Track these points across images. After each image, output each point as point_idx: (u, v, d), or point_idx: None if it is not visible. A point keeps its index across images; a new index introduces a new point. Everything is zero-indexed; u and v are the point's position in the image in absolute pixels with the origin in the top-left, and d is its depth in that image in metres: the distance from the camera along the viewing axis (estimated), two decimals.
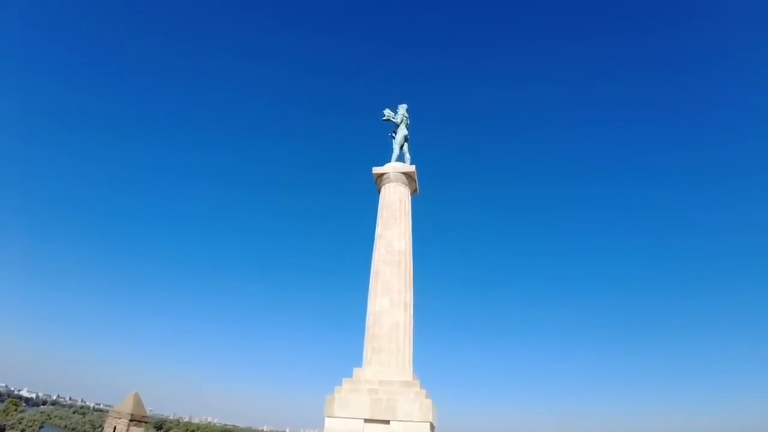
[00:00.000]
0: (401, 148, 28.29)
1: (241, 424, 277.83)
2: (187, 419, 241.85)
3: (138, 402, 29.93)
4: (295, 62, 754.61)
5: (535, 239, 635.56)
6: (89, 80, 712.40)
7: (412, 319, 23.53)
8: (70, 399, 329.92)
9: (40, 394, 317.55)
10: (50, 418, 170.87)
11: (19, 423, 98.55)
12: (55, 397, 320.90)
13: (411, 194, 27.32)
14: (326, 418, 20.59)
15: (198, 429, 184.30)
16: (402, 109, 29.40)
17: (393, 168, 26.85)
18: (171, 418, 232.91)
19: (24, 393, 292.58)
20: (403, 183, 26.70)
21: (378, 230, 25.49)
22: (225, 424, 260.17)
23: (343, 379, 21.86)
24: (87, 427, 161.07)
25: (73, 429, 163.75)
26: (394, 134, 28.68)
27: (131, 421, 28.40)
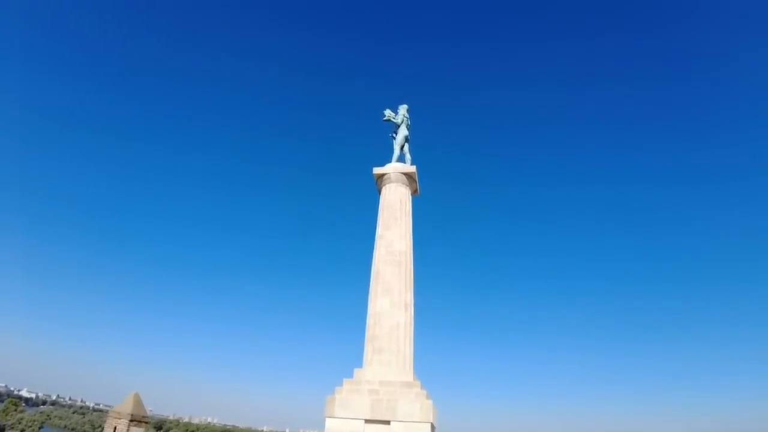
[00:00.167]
0: (402, 148, 28.28)
1: (241, 425, 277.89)
2: (186, 419, 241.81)
3: (138, 402, 29.93)
4: (295, 62, 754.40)
5: (536, 239, 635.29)
6: (89, 80, 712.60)
7: (412, 319, 23.52)
8: (69, 399, 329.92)
9: (40, 394, 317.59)
10: (50, 418, 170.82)
11: (19, 423, 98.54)
12: (54, 397, 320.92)
13: (411, 195, 27.32)
14: (327, 419, 20.58)
15: (198, 429, 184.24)
16: (402, 109, 29.40)
17: (393, 168, 26.85)
18: (171, 418, 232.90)
19: (24, 393, 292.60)
20: (403, 183, 26.70)
21: (378, 231, 25.49)
22: (225, 425, 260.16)
23: (344, 379, 21.86)
24: (87, 427, 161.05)
25: (72, 429, 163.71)
26: (394, 135, 28.67)
27: (131, 421, 28.41)
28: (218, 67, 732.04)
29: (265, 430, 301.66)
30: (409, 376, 21.49)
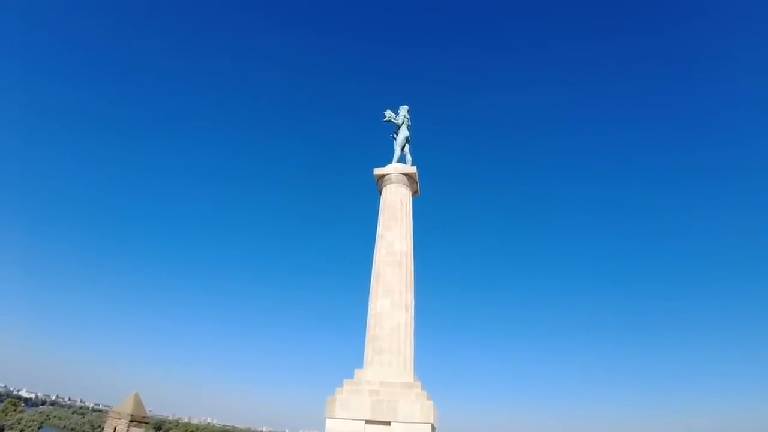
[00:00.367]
0: (402, 149, 28.29)
1: (241, 425, 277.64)
2: (186, 420, 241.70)
3: (138, 402, 29.92)
4: (295, 62, 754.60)
5: (536, 240, 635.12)
6: (89, 80, 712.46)
7: (413, 320, 23.52)
8: (69, 399, 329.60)
9: (39, 394, 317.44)
10: (49, 419, 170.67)
11: (18, 423, 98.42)
12: (54, 398, 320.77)
13: (412, 195, 27.32)
14: (327, 419, 20.57)
15: (197, 430, 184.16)
16: (403, 110, 29.42)
17: (394, 169, 26.86)
18: (170, 418, 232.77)
19: (23, 393, 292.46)
20: (404, 184, 26.71)
21: (379, 231, 25.49)
22: (224, 425, 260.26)
23: (344, 380, 21.85)
24: (86, 427, 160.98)
25: (72, 429, 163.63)
26: (395, 135, 28.69)
27: (131, 421, 28.41)
28: (218, 67, 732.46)
29: (264, 430, 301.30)
30: (409, 376, 21.49)
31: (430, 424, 19.59)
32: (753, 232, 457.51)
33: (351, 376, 22.07)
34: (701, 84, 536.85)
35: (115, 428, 28.38)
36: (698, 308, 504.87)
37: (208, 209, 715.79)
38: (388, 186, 26.64)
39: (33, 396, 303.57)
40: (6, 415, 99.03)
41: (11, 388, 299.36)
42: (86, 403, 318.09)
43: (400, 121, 28.86)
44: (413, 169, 27.01)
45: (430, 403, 20.21)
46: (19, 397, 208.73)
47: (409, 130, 28.98)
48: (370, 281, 24.55)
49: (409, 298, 23.72)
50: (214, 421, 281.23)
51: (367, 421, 20.13)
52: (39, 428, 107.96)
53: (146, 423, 30.67)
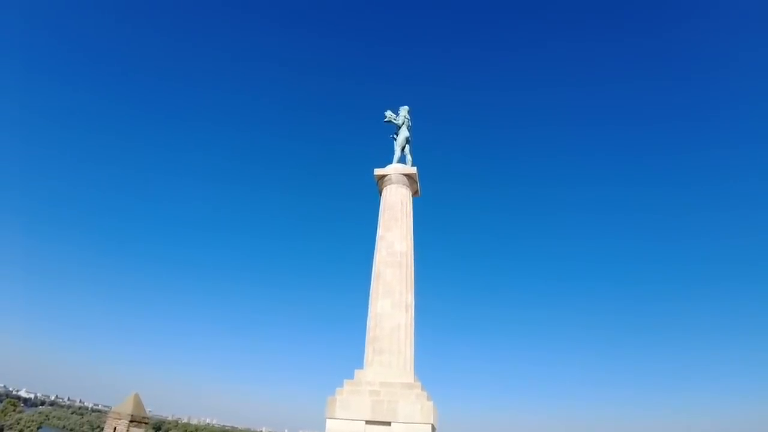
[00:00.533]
0: (402, 149, 28.33)
1: (240, 426, 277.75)
2: (185, 420, 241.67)
3: (138, 403, 29.91)
4: (295, 62, 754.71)
5: (537, 241, 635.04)
6: (89, 80, 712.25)
7: (413, 320, 23.53)
8: (68, 399, 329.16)
9: (39, 395, 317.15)
10: (48, 419, 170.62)
11: (17, 423, 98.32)
12: (53, 398, 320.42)
13: (412, 196, 27.35)
14: (327, 420, 20.58)
15: (197, 430, 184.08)
16: (403, 110, 29.45)
17: (394, 169, 26.88)
18: (170, 419, 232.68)
19: (22, 393, 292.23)
20: (404, 184, 26.73)
21: (379, 232, 25.51)
22: (224, 426, 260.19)
23: (345, 380, 21.85)
24: (85, 427, 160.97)
25: (71, 429, 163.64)
26: (395, 136, 28.72)
27: (131, 422, 28.39)
28: (218, 67, 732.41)
29: (263, 431, 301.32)
30: (409, 377, 21.49)
31: (430, 425, 19.59)
32: (753, 232, 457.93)
33: (351, 376, 22.08)
34: (701, 84, 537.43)
35: (114, 428, 28.36)
36: (698, 308, 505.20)
37: (208, 209, 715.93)
38: (388, 186, 26.66)
39: (32, 396, 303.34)
40: (5, 416, 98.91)
41: (10, 388, 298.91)
42: (85, 404, 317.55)
43: (400, 122, 28.89)
44: (413, 170, 27.03)
45: (431, 403, 20.22)
46: (18, 397, 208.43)
47: (409, 131, 29.01)
48: (370, 282, 24.57)
49: (410, 298, 23.73)
50: (214, 422, 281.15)
51: (368, 422, 20.13)
52: (38, 428, 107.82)
53: (146, 423, 30.64)
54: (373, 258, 25.17)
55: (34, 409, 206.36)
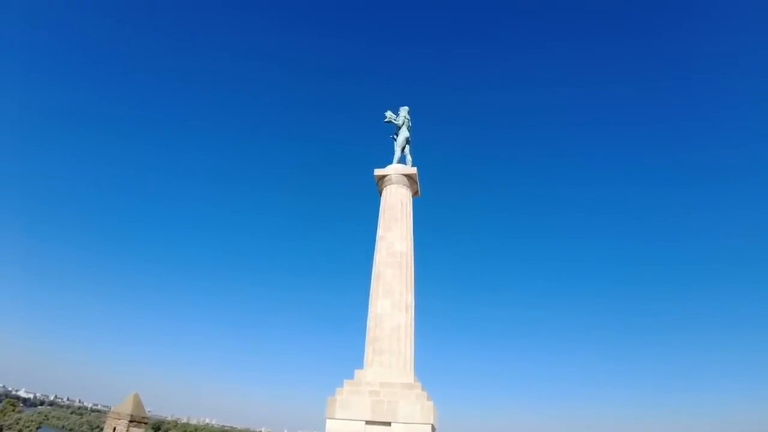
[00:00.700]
0: (403, 150, 28.32)
1: (240, 426, 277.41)
2: (185, 420, 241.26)
3: (138, 403, 29.88)
4: (295, 62, 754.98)
5: (537, 241, 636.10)
6: (89, 80, 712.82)
7: (413, 321, 23.51)
8: (67, 399, 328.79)
9: (38, 395, 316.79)
10: (48, 419, 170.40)
11: (17, 423, 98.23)
12: (52, 398, 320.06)
13: (412, 196, 27.33)
14: (327, 420, 20.55)
15: (196, 430, 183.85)
16: (403, 111, 29.44)
17: (394, 170, 26.87)
18: (169, 419, 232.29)
19: (21, 393, 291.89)
20: (404, 185, 26.71)
21: (379, 232, 25.49)
22: (223, 426, 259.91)
23: (344, 380, 21.84)
24: (85, 427, 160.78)
25: (70, 430, 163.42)
26: (395, 136, 28.72)
27: (131, 422, 28.37)
28: (218, 67, 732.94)
29: (263, 431, 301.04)
30: (409, 377, 21.48)
31: (430, 425, 19.58)
32: (753, 232, 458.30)
33: (351, 376, 22.07)
34: (701, 84, 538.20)
35: (114, 428, 28.32)
36: (699, 309, 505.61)
37: (208, 209, 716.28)
38: (388, 187, 26.64)
39: (31, 396, 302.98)
40: (4, 416, 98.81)
41: (9, 388, 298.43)
42: (85, 404, 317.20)
43: (400, 122, 28.88)
44: (413, 170, 27.02)
45: (431, 403, 20.21)
46: (18, 397, 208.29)
47: (409, 131, 29.01)
48: (370, 282, 24.55)
49: (410, 298, 23.72)
50: (213, 422, 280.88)
51: (368, 422, 20.11)
52: (37, 428, 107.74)
53: (145, 423, 30.60)
54: (373, 258, 25.15)
55: (33, 409, 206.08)
